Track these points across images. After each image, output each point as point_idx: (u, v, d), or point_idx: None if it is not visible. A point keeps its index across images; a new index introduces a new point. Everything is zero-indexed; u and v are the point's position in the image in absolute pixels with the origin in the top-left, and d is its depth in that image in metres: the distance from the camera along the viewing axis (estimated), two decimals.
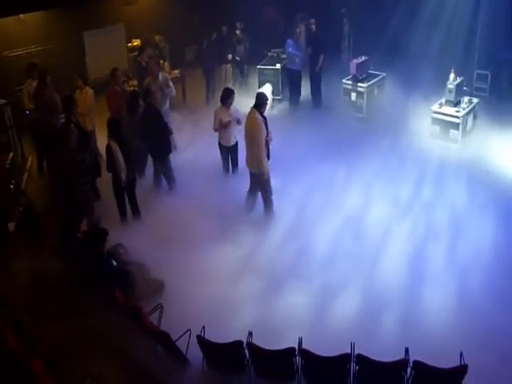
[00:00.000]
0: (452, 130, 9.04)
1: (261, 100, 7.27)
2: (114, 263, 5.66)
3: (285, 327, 5.41)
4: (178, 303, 5.77)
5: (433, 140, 9.26)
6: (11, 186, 7.92)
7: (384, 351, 4.78)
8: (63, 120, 7.62)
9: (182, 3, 12.21)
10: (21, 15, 10.06)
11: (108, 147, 6.83)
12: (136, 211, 7.46)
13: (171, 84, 9.17)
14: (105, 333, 5.50)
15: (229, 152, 8.28)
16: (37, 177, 9.01)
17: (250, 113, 7.30)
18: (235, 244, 6.79)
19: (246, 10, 11.60)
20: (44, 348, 5.10)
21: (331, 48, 11.26)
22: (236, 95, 8.22)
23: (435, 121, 9.22)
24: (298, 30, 10.34)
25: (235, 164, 8.35)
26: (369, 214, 7.44)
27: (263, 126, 7.17)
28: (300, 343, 4.82)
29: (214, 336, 5.07)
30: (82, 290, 5.85)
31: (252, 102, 10.88)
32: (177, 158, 8.66)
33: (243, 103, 8.33)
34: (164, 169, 8.07)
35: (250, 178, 7.51)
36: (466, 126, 9.11)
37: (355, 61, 10.28)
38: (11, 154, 8.97)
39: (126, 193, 7.28)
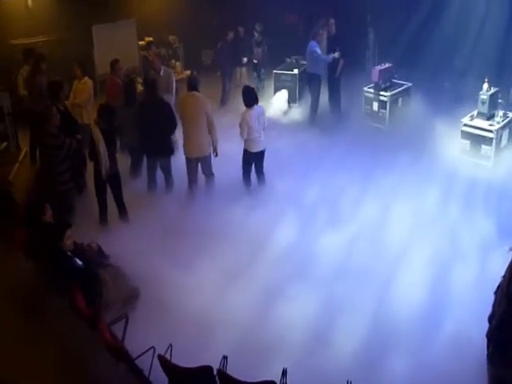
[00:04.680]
0: (484, 146, 8.08)
1: (197, 81, 7.20)
2: (79, 262, 4.89)
3: (270, 354, 4.52)
4: (152, 316, 5.01)
5: (462, 156, 8.31)
6: None
7: None
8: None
9: (201, 4, 11.68)
10: (29, 3, 9.66)
11: (90, 134, 6.18)
12: (122, 211, 6.74)
13: (174, 86, 8.46)
14: (56, 338, 4.70)
15: (255, 160, 7.44)
16: (28, 168, 8.39)
17: (188, 96, 7.12)
18: (225, 255, 5.96)
19: (267, 14, 11.03)
20: None
21: (354, 57, 10.51)
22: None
23: (465, 135, 8.28)
24: (321, 32, 9.61)
25: (262, 173, 7.57)
26: (383, 231, 6.51)
27: None
28: (283, 376, 3.91)
29: (184, 357, 4.22)
30: (43, 289, 5.08)
31: (267, 107, 10.37)
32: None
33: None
34: (166, 164, 7.35)
35: (194, 166, 7.28)
36: (500, 142, 8.13)
37: (378, 67, 9.47)
38: (4, 144, 8.45)
39: (111, 189, 6.58)
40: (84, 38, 10.52)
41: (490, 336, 4.28)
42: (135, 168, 7.83)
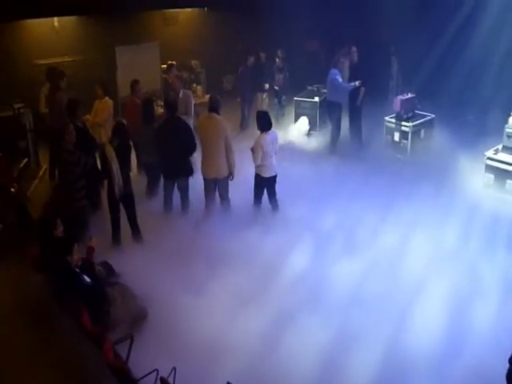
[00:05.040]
0: (509, 181, 7.89)
1: (218, 104, 7.12)
2: (87, 279, 4.79)
3: (279, 382, 4.32)
4: (160, 338, 4.86)
5: (485, 190, 8.11)
6: (12, 190, 7.37)
7: None
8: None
9: (224, 31, 11.87)
10: (56, 24, 9.89)
11: (103, 153, 6.16)
12: (135, 231, 6.66)
13: (192, 109, 8.48)
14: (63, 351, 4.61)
15: (267, 185, 7.34)
16: (47, 185, 8.46)
17: (208, 117, 7.11)
18: (238, 279, 5.84)
19: (289, 40, 11.11)
20: None
21: (377, 86, 10.47)
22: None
23: (489, 169, 8.10)
24: (342, 60, 9.60)
25: (275, 198, 7.44)
26: (401, 261, 6.28)
27: None
28: None
29: (189, 382, 4.10)
30: (52, 303, 5.03)
31: (287, 134, 10.35)
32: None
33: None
34: (184, 185, 7.28)
35: (212, 187, 7.25)
36: None
37: (400, 97, 9.39)
38: (24, 161, 8.55)
39: (124, 209, 6.53)
40: (108, 59, 10.72)
41: (510, 378, 4.02)
42: (151, 188, 7.80)
